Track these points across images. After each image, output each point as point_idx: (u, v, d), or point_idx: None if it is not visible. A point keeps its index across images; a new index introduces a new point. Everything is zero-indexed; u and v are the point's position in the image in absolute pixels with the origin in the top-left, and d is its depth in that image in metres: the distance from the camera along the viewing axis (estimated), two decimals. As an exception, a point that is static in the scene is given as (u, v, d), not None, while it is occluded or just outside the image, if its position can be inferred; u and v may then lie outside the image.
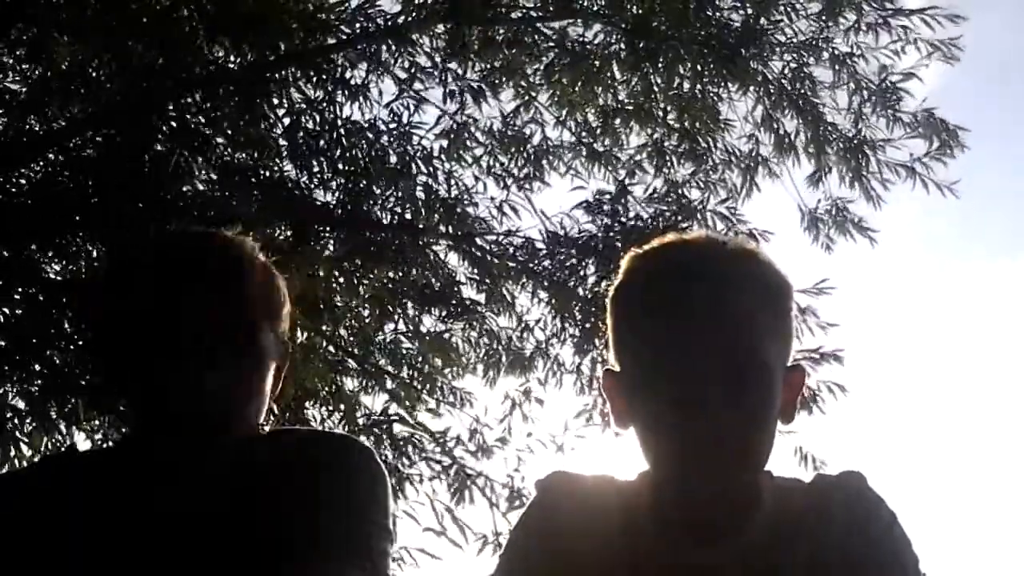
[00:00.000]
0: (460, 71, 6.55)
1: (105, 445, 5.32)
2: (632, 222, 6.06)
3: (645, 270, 1.37)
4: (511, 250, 6.06)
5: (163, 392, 1.37)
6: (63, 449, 1.80)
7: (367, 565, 1.41)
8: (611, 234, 5.99)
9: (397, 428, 5.96)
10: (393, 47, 6.41)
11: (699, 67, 6.77)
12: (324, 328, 5.87)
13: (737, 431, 1.27)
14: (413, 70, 6.44)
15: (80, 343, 5.32)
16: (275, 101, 6.16)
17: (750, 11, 6.72)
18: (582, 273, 5.98)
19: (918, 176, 7.00)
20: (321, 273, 5.78)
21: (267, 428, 1.57)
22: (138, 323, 1.38)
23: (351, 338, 6.19)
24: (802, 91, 6.99)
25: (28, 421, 5.54)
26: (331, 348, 6.09)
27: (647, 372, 1.31)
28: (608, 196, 6.24)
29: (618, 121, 7.09)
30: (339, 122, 6.16)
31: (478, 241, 6.10)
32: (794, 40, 6.95)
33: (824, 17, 6.93)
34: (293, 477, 1.44)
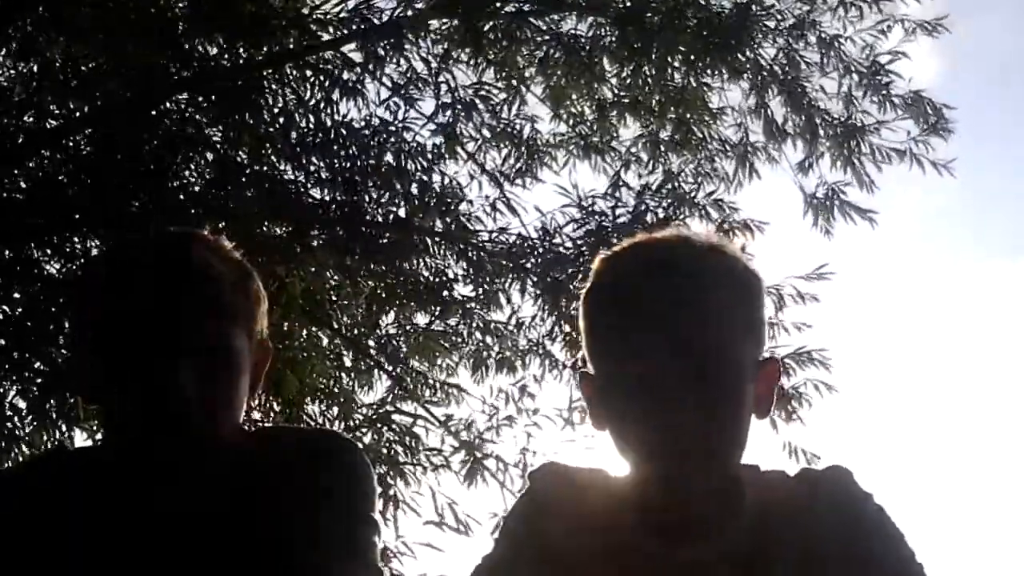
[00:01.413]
0: (453, 80, 6.51)
1: (100, 443, 5.32)
2: (630, 213, 6.04)
3: (613, 270, 1.37)
4: (503, 247, 6.05)
5: (163, 392, 1.37)
6: (53, 447, 1.78)
7: (367, 563, 1.43)
8: (605, 228, 5.98)
9: (399, 418, 5.96)
10: (388, 46, 6.39)
11: (692, 56, 6.75)
12: (323, 323, 5.89)
13: (709, 426, 1.26)
14: (409, 73, 6.41)
15: (72, 342, 5.30)
16: (270, 100, 6.16)
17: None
18: (573, 270, 5.97)
19: (914, 157, 6.91)
20: (315, 270, 5.79)
21: (265, 425, 1.57)
22: (138, 323, 1.38)
23: (347, 333, 6.20)
24: (793, 76, 6.95)
25: (28, 421, 5.55)
26: (330, 343, 6.10)
27: (617, 372, 1.30)
28: (599, 197, 6.21)
29: (613, 113, 7.08)
30: (334, 119, 6.16)
31: (472, 239, 6.10)
32: (783, 24, 6.92)
33: None
34: (293, 477, 1.45)
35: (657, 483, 1.30)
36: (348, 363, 6.27)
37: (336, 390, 6.00)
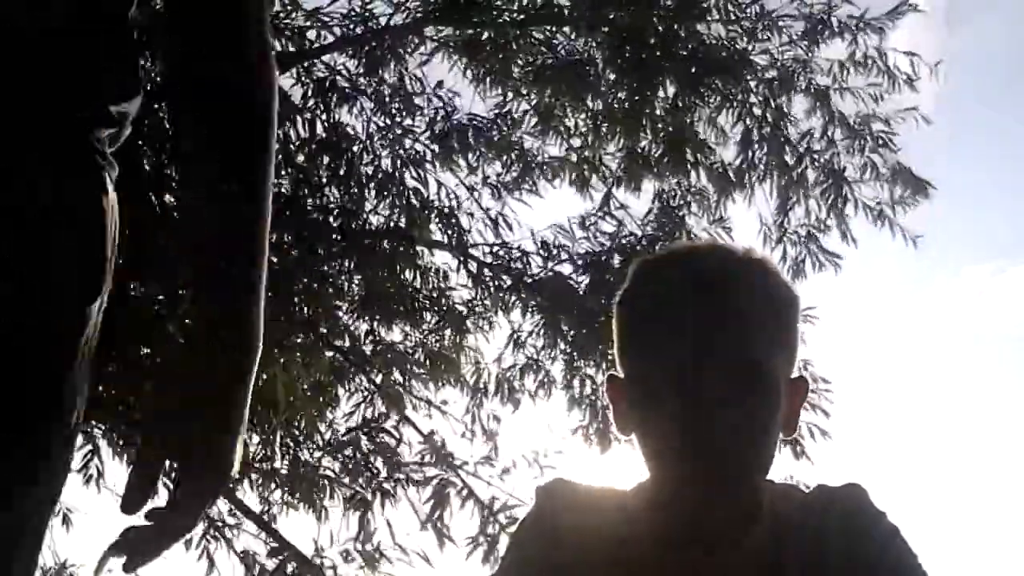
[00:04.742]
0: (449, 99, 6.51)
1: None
2: (628, 236, 6.10)
3: (652, 277, 1.39)
4: (502, 262, 6.08)
5: None
6: None
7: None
8: (603, 248, 6.03)
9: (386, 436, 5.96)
10: (383, 53, 6.39)
11: (680, 84, 6.84)
12: (317, 335, 5.87)
13: (739, 440, 1.27)
14: (402, 89, 6.42)
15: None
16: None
17: (739, 28, 6.78)
18: (574, 285, 6.00)
19: (886, 220, 7.14)
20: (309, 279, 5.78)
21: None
22: None
23: (339, 344, 6.18)
24: (780, 120, 7.09)
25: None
26: (321, 351, 6.08)
27: (650, 379, 1.31)
28: (595, 215, 6.24)
29: (604, 129, 7.12)
30: (331, 126, 6.14)
31: (472, 252, 6.12)
32: (777, 64, 7.05)
33: (807, 42, 7.06)
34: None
35: (680, 489, 1.31)
36: (336, 372, 6.24)
37: (323, 401, 5.97)
